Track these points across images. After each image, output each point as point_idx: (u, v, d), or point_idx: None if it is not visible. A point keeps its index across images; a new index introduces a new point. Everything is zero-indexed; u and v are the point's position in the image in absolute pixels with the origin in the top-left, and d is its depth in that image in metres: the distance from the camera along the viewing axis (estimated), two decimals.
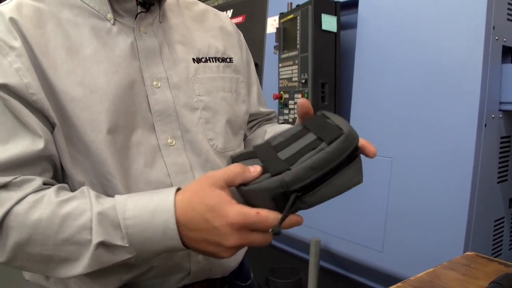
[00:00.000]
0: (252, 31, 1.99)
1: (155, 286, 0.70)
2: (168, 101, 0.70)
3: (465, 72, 1.18)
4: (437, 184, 1.24)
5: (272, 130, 0.87)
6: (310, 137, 0.58)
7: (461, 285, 0.72)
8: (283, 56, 1.68)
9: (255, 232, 0.55)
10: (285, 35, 1.67)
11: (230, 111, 0.78)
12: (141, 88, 0.68)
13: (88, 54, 0.65)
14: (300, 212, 0.57)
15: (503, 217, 1.36)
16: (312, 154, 0.53)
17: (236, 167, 0.56)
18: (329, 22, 1.49)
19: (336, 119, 0.58)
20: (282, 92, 1.69)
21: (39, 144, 0.60)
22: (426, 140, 1.27)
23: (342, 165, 0.54)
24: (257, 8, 2.01)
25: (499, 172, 1.29)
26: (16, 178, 0.58)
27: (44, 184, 0.61)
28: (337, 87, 1.53)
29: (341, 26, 1.53)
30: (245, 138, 0.91)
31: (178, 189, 0.60)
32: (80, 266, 0.57)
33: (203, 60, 0.76)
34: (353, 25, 1.51)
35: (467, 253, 0.87)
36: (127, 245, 0.57)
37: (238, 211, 0.54)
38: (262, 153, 0.59)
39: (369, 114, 1.43)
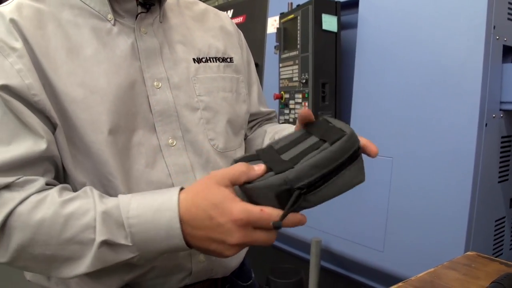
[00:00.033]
0: (252, 31, 1.99)
1: (157, 286, 0.70)
2: (169, 102, 0.70)
3: (466, 72, 1.18)
4: (438, 184, 1.24)
5: (272, 130, 0.87)
6: (313, 139, 0.59)
7: (462, 285, 0.72)
8: (284, 56, 1.68)
9: (259, 231, 0.55)
10: (285, 35, 1.67)
11: (231, 111, 0.78)
12: (142, 88, 0.68)
13: (89, 55, 0.65)
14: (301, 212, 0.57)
15: (504, 217, 1.35)
16: (315, 153, 0.54)
17: (240, 166, 0.56)
18: (329, 22, 1.49)
19: (337, 123, 0.59)
20: (282, 92, 1.69)
21: (41, 145, 0.60)
22: (426, 140, 1.27)
23: (344, 164, 0.55)
24: (257, 8, 2.01)
25: (500, 172, 1.29)
26: (18, 178, 0.58)
27: (47, 184, 0.61)
28: (337, 87, 1.53)
29: (341, 26, 1.53)
30: (245, 138, 0.91)
31: (182, 189, 0.60)
32: (83, 265, 0.57)
33: (203, 60, 0.77)
34: (353, 25, 1.51)
35: (468, 253, 0.87)
36: (130, 244, 0.57)
37: (242, 208, 0.54)
38: (265, 156, 0.59)
39: (370, 114, 1.43)
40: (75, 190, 0.63)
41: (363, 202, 1.43)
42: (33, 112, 0.60)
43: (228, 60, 0.81)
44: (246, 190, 0.56)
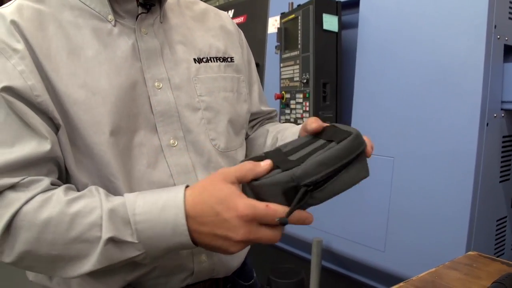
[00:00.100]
0: (253, 31, 1.99)
1: (159, 286, 0.70)
2: (170, 102, 0.70)
3: (467, 72, 1.18)
4: (439, 183, 1.24)
5: (274, 129, 0.87)
6: (320, 142, 0.60)
7: (463, 285, 0.72)
8: (285, 56, 1.68)
9: (264, 228, 0.55)
10: (286, 35, 1.67)
11: (232, 111, 0.78)
12: (143, 89, 0.68)
13: (90, 56, 0.65)
14: None
15: (505, 217, 1.35)
16: (322, 152, 0.55)
17: (247, 164, 0.57)
18: (330, 22, 1.49)
19: (343, 126, 0.61)
20: (283, 92, 1.69)
21: (45, 146, 0.60)
22: (427, 139, 1.27)
23: (350, 162, 0.56)
24: (258, 8, 2.01)
25: (501, 172, 1.29)
26: (24, 179, 0.58)
27: (52, 184, 0.61)
28: (338, 87, 1.53)
29: (342, 25, 1.52)
30: (247, 137, 0.91)
31: (187, 187, 0.60)
32: (89, 264, 0.57)
33: (204, 60, 0.77)
34: (354, 25, 1.51)
35: (469, 252, 0.87)
36: (136, 241, 0.57)
37: (248, 204, 0.54)
38: (273, 156, 0.60)
39: (371, 113, 1.43)
40: (77, 191, 0.63)
41: (364, 202, 1.43)
42: (36, 113, 0.60)
43: (229, 59, 0.81)
44: (254, 188, 0.57)
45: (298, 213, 0.55)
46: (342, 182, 0.56)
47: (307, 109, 1.53)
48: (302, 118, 1.56)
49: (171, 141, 0.70)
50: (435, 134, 1.25)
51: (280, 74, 1.73)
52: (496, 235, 1.32)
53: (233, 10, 2.18)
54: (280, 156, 0.60)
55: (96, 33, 0.66)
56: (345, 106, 1.55)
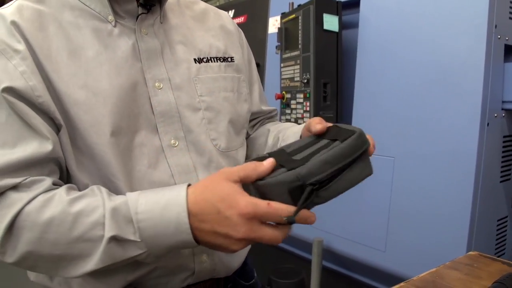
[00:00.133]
0: (253, 31, 1.99)
1: (159, 286, 0.70)
2: (171, 102, 0.70)
3: (467, 71, 1.18)
4: (440, 183, 1.23)
5: (275, 128, 0.87)
6: (324, 142, 0.61)
7: (464, 285, 0.72)
8: (285, 56, 1.68)
9: (266, 227, 0.55)
10: (286, 35, 1.67)
11: (232, 111, 0.78)
12: (144, 89, 0.68)
13: (90, 57, 0.65)
14: None
15: (506, 216, 1.35)
16: (326, 151, 0.56)
17: (250, 164, 0.57)
18: (330, 22, 1.49)
19: (347, 126, 0.62)
20: (284, 92, 1.69)
21: (47, 146, 0.60)
22: (428, 139, 1.26)
23: (354, 160, 0.56)
24: (258, 8, 2.01)
25: (502, 171, 1.29)
26: (26, 179, 0.58)
27: (54, 184, 0.61)
28: (339, 87, 1.53)
29: (342, 25, 1.52)
30: (247, 136, 0.91)
31: (189, 185, 0.60)
32: (91, 263, 0.57)
33: (204, 60, 0.77)
34: (355, 25, 1.51)
35: (470, 252, 0.86)
36: (138, 240, 0.57)
37: (249, 201, 0.54)
38: (277, 157, 0.60)
39: (371, 113, 1.43)
40: (78, 191, 0.63)
41: (364, 202, 1.43)
42: (37, 114, 0.60)
43: (229, 59, 0.81)
44: (259, 187, 0.57)
45: (302, 212, 0.55)
46: (347, 181, 0.56)
47: (308, 109, 1.53)
48: (302, 118, 1.56)
49: (172, 141, 0.70)
50: (436, 134, 1.25)
51: (281, 74, 1.73)
52: (497, 235, 1.32)
53: (233, 10, 2.18)
54: (284, 156, 0.60)
55: (96, 34, 0.66)
56: (345, 106, 1.55)
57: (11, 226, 0.57)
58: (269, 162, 0.57)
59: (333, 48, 1.51)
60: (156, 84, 0.70)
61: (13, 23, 0.61)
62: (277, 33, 1.73)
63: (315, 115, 1.50)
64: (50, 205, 0.57)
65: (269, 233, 0.55)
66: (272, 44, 1.86)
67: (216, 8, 0.88)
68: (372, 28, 1.43)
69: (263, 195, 0.57)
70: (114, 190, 0.64)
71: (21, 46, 0.60)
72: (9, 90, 0.58)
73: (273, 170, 0.57)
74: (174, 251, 0.62)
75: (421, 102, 1.28)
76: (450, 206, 1.21)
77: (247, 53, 0.90)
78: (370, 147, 0.60)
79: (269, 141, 0.86)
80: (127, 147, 0.66)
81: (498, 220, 1.32)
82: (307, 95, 1.52)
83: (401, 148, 1.33)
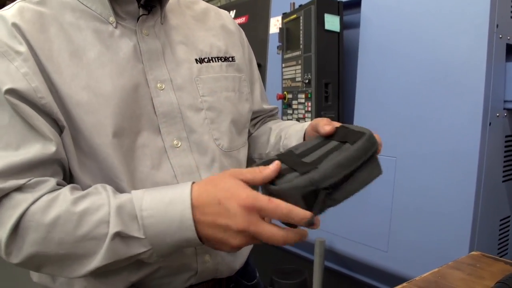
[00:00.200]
0: (255, 31, 1.99)
1: (162, 286, 0.70)
2: (173, 103, 0.70)
3: (469, 71, 1.18)
4: (442, 183, 1.23)
5: (277, 127, 0.88)
6: (333, 143, 0.61)
7: (466, 285, 0.72)
8: (286, 56, 1.68)
9: (267, 223, 0.55)
10: (288, 35, 1.67)
11: (234, 111, 0.78)
12: (146, 90, 0.68)
13: (92, 58, 0.65)
14: None
15: (508, 216, 1.35)
16: (337, 154, 0.56)
17: (254, 168, 0.57)
18: (332, 22, 1.48)
19: (355, 127, 0.62)
20: (285, 92, 1.69)
21: (50, 148, 0.60)
22: (430, 139, 1.26)
23: (365, 162, 0.57)
24: (260, 9, 2.01)
25: (504, 171, 1.29)
26: (30, 180, 0.59)
27: (58, 185, 0.61)
28: (340, 87, 1.53)
29: (344, 25, 1.52)
30: (249, 135, 0.91)
31: (194, 183, 0.60)
32: (96, 260, 0.57)
33: (205, 60, 0.77)
34: (356, 25, 1.51)
35: (472, 252, 0.86)
36: (142, 237, 0.57)
37: (251, 193, 0.55)
38: (287, 159, 0.60)
39: (373, 113, 1.42)
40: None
41: (366, 202, 1.43)
42: (40, 115, 0.60)
43: (230, 59, 0.81)
44: (272, 192, 0.57)
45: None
46: (358, 182, 0.57)
47: (309, 109, 1.53)
48: (304, 118, 1.56)
49: (175, 142, 0.70)
50: (438, 134, 1.24)
51: (282, 74, 1.73)
52: (499, 235, 1.32)
53: (235, 11, 2.18)
54: (294, 159, 0.60)
55: (97, 35, 0.66)
56: (347, 106, 1.55)
57: (17, 227, 0.57)
58: (275, 165, 0.57)
59: (335, 48, 1.51)
60: (158, 85, 0.70)
61: (14, 25, 0.61)
62: (279, 33, 1.73)
63: (317, 115, 1.50)
64: (54, 205, 0.57)
65: (269, 230, 0.55)
66: (273, 44, 1.86)
67: (217, 8, 0.88)
68: (374, 28, 1.43)
69: None
70: (118, 191, 0.64)
71: (23, 48, 0.60)
72: (12, 91, 0.58)
73: (285, 173, 0.57)
74: (178, 251, 0.62)
75: (422, 102, 1.28)
76: (452, 206, 1.21)
77: (248, 52, 0.90)
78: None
79: (271, 139, 0.86)
80: (129, 148, 0.66)
81: (500, 220, 1.31)
82: (309, 95, 1.52)
83: (403, 148, 1.33)
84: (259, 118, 0.95)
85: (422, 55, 1.28)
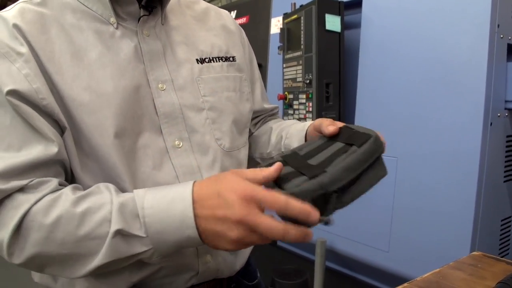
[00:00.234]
0: (256, 31, 1.99)
1: (163, 286, 0.70)
2: (174, 103, 0.70)
3: (470, 71, 1.18)
4: (443, 183, 1.23)
5: (278, 126, 0.88)
6: (338, 145, 0.61)
7: (468, 285, 0.71)
8: (287, 56, 1.68)
9: (265, 215, 0.54)
10: (289, 36, 1.67)
11: (235, 111, 0.78)
12: (147, 91, 0.68)
13: (93, 59, 0.65)
14: None
15: (510, 216, 1.35)
16: (345, 157, 0.56)
17: (255, 169, 0.58)
18: (333, 22, 1.49)
19: (360, 128, 0.62)
20: (286, 93, 1.69)
21: (52, 149, 0.60)
22: (431, 139, 1.26)
23: (371, 164, 0.57)
24: (260, 9, 2.01)
25: (505, 171, 1.29)
26: (32, 180, 0.59)
27: (60, 185, 0.61)
28: (341, 87, 1.53)
29: (345, 26, 1.52)
30: (250, 134, 0.91)
31: (195, 182, 0.61)
32: (97, 259, 0.57)
33: (206, 60, 0.77)
34: (357, 25, 1.51)
35: (473, 253, 0.86)
36: (144, 235, 0.57)
37: (250, 185, 0.55)
38: (293, 161, 0.60)
39: (374, 113, 1.42)
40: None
41: (367, 202, 1.43)
42: (42, 116, 0.60)
43: (231, 59, 0.81)
44: None
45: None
46: (365, 184, 0.57)
47: (310, 109, 1.53)
48: (305, 118, 1.56)
49: (176, 142, 0.70)
50: (439, 134, 1.24)
51: (283, 75, 1.73)
52: (501, 235, 1.32)
53: (235, 11, 2.18)
54: (299, 161, 0.60)
55: (98, 36, 0.66)
56: (348, 106, 1.55)
57: (19, 227, 0.57)
58: (276, 166, 0.57)
59: (336, 48, 1.51)
60: (159, 86, 0.70)
61: (15, 26, 0.61)
62: (279, 33, 1.73)
63: (318, 115, 1.50)
64: (56, 205, 0.57)
65: (267, 221, 0.54)
66: (274, 44, 1.86)
67: (217, 7, 0.88)
68: (374, 28, 1.43)
69: None
70: (120, 191, 0.64)
71: (24, 49, 0.60)
72: (13, 93, 0.58)
73: (292, 176, 0.57)
74: (179, 250, 0.62)
75: (423, 102, 1.28)
76: (453, 206, 1.21)
77: (248, 52, 0.90)
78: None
79: (272, 139, 0.86)
80: (131, 148, 0.66)
81: (501, 220, 1.31)
82: (310, 96, 1.52)
83: (404, 148, 1.33)
84: (260, 117, 0.95)
85: (423, 55, 1.28)
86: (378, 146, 0.58)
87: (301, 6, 1.58)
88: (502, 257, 1.04)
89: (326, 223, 0.54)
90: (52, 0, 0.66)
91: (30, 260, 0.58)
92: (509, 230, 1.35)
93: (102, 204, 0.58)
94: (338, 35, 1.51)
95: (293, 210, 0.52)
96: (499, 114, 1.21)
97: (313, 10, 1.47)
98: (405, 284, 0.72)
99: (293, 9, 1.68)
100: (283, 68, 1.72)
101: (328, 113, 1.50)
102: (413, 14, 1.31)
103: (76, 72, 0.63)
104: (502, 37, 1.18)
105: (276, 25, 1.87)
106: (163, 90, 0.70)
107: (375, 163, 0.58)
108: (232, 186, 0.55)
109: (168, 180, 0.68)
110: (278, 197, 0.53)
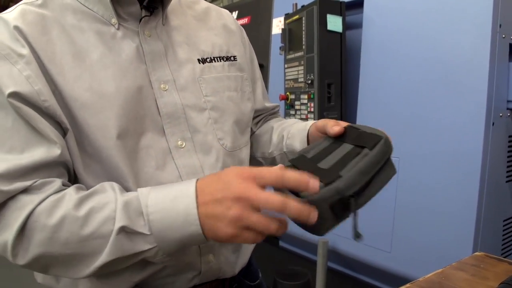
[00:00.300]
0: (257, 32, 1.99)
1: (166, 286, 0.70)
2: (176, 103, 0.70)
3: (472, 71, 1.17)
4: (445, 183, 1.23)
5: (279, 125, 0.88)
6: (346, 146, 0.62)
7: (470, 286, 0.71)
8: (289, 57, 1.68)
9: (263, 190, 0.54)
10: (290, 36, 1.67)
11: (237, 110, 0.78)
12: (149, 91, 0.69)
13: (95, 59, 0.65)
14: None
15: None
16: (358, 160, 0.57)
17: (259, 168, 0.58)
18: (334, 22, 1.48)
19: (365, 128, 0.63)
20: (288, 93, 1.69)
21: (55, 151, 0.60)
22: (433, 139, 1.26)
23: (382, 165, 0.58)
24: (262, 9, 2.01)
25: (507, 171, 1.28)
26: (36, 181, 0.59)
27: (63, 185, 0.61)
28: (343, 87, 1.53)
29: (346, 26, 1.52)
30: (252, 133, 0.92)
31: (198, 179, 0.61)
32: (101, 258, 0.57)
33: (208, 60, 0.77)
34: (358, 25, 1.51)
35: (476, 253, 0.86)
36: (148, 233, 0.57)
37: (249, 167, 0.56)
38: (302, 165, 0.61)
39: (376, 114, 1.42)
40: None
41: (369, 203, 1.43)
42: (44, 118, 0.60)
43: (232, 58, 0.81)
44: None
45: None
46: (378, 184, 0.58)
47: (312, 109, 1.53)
48: (307, 118, 1.56)
49: (179, 143, 0.70)
50: (441, 134, 1.24)
51: (285, 75, 1.73)
52: (503, 235, 1.32)
53: (237, 11, 2.18)
54: (310, 165, 0.60)
55: (100, 37, 0.66)
56: (350, 107, 1.55)
57: (23, 228, 0.57)
58: (277, 168, 0.57)
59: (337, 48, 1.51)
60: (162, 86, 0.70)
61: (17, 27, 0.61)
62: (281, 34, 1.73)
63: (320, 116, 1.50)
64: (60, 205, 0.57)
65: (265, 194, 0.54)
66: (276, 45, 1.86)
67: (218, 7, 0.88)
68: (376, 28, 1.43)
69: None
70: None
71: (25, 51, 0.60)
72: (15, 95, 0.58)
73: None
74: (183, 248, 0.62)
75: (425, 102, 1.28)
76: (455, 206, 1.21)
77: (249, 51, 0.90)
78: None
79: (273, 138, 0.87)
80: (133, 149, 0.66)
81: (504, 221, 1.31)
82: (311, 96, 1.52)
83: (406, 148, 1.33)
84: (261, 116, 0.96)
85: (425, 55, 1.28)
86: (388, 147, 0.59)
87: (302, 6, 1.58)
88: (504, 257, 1.04)
89: (357, 236, 0.56)
90: (53, 1, 0.66)
91: (34, 261, 0.58)
92: (511, 231, 1.35)
93: (106, 203, 0.58)
94: (340, 36, 1.51)
95: (289, 180, 0.54)
96: (501, 114, 1.20)
97: (315, 10, 1.47)
98: (408, 285, 0.72)
99: (294, 10, 1.68)
100: (285, 68, 1.72)
101: (330, 113, 1.50)
102: (415, 14, 1.31)
103: (78, 73, 0.63)
104: (504, 37, 1.17)
105: (277, 25, 1.87)
106: (165, 91, 0.70)
107: (385, 163, 0.59)
108: (232, 169, 0.57)
109: (171, 180, 0.68)
110: (274, 170, 0.54)
